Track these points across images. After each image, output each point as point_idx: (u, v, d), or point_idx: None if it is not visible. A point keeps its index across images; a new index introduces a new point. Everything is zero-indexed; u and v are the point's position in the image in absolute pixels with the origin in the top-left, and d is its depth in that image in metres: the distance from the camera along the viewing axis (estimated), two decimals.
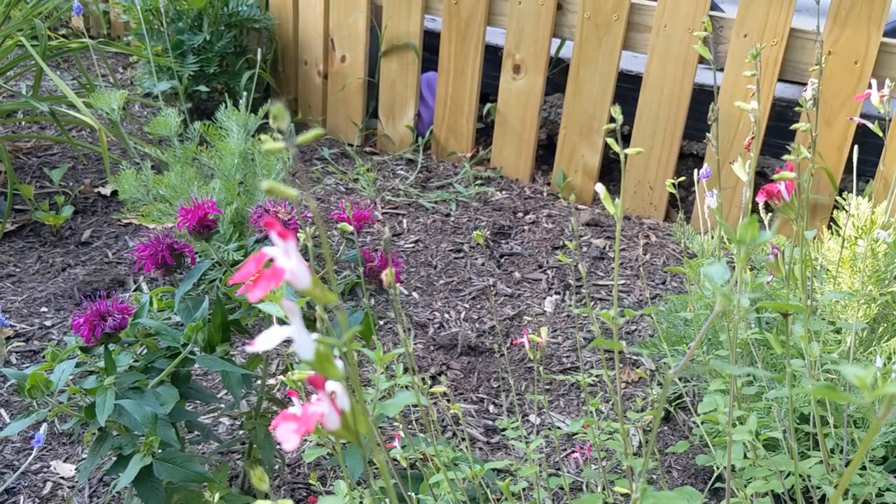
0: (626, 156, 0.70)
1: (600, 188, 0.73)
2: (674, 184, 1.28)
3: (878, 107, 1.11)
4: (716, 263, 0.58)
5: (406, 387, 1.04)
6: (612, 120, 2.60)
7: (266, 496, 0.54)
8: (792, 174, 0.78)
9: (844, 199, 1.22)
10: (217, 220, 1.50)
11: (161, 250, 1.41)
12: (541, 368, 1.11)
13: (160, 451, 1.31)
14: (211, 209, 1.43)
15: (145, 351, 1.46)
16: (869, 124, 1.14)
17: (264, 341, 0.45)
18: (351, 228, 0.97)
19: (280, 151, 0.44)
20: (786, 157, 0.76)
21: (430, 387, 1.97)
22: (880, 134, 1.10)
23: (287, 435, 0.44)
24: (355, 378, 0.46)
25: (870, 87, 1.16)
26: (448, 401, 1.92)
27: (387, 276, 0.64)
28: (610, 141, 0.69)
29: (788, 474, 1.02)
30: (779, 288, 1.44)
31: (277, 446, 1.77)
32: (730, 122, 2.47)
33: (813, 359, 0.86)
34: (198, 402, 1.83)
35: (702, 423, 1.12)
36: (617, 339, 0.76)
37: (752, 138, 1.10)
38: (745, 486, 0.95)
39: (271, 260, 0.45)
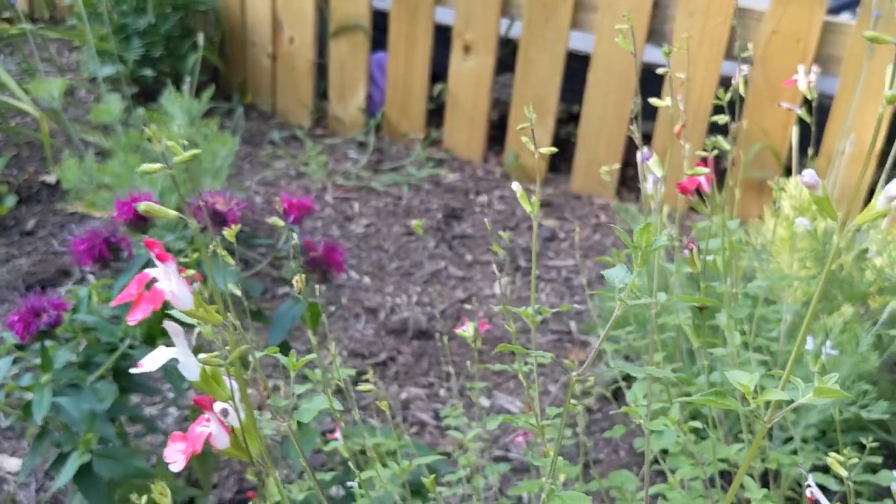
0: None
1: (516, 186, 0.73)
2: (616, 168, 1.29)
3: (806, 93, 1.12)
4: (617, 266, 0.58)
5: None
6: (566, 113, 2.57)
7: None
8: (705, 170, 0.79)
9: (777, 184, 1.23)
10: None
11: (97, 244, 1.39)
12: (476, 355, 1.12)
13: (100, 446, 1.30)
14: (147, 201, 1.41)
15: (86, 346, 1.44)
16: (797, 109, 1.15)
17: (150, 362, 0.45)
18: (283, 223, 0.97)
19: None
20: (698, 152, 0.77)
21: (378, 374, 1.96)
22: (808, 119, 1.11)
23: (174, 455, 0.44)
24: (245, 397, 0.46)
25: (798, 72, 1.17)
26: (400, 388, 1.92)
27: (298, 282, 0.64)
28: (525, 140, 0.69)
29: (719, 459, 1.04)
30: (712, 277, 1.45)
31: None
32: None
33: (735, 348, 0.88)
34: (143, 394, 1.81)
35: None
36: (537, 330, 0.76)
37: (683, 126, 1.10)
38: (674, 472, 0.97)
39: (154, 280, 0.44)
